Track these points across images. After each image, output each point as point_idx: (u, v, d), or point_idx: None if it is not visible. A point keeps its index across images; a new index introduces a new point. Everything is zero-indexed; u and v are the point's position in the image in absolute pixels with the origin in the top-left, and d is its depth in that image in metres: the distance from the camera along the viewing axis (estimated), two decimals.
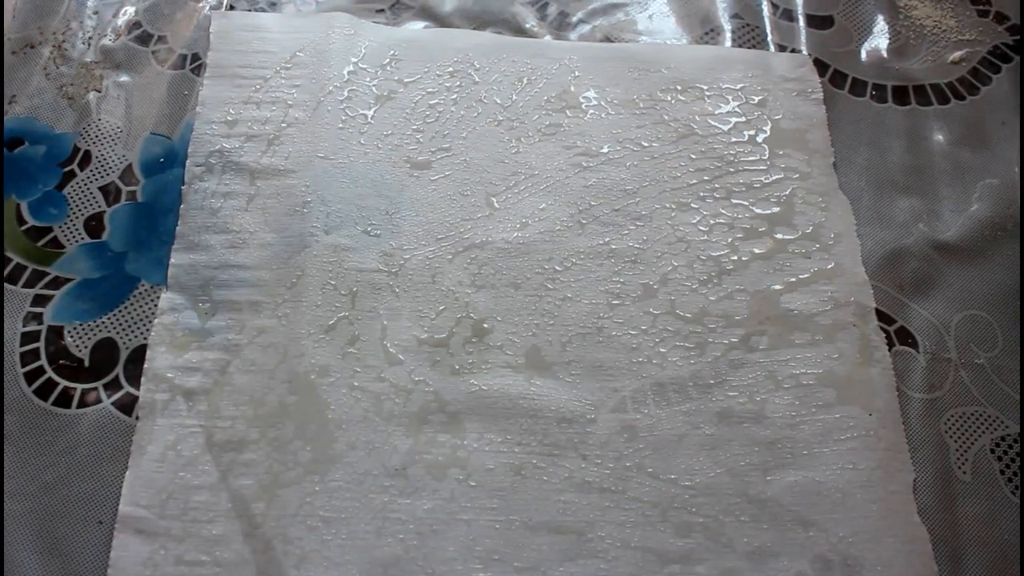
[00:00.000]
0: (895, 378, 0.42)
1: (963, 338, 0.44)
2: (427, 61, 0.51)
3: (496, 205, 0.46)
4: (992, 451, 0.41)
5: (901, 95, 0.53)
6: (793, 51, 0.54)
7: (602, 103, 0.50)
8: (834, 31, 0.56)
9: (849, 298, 0.44)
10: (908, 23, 0.56)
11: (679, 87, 0.51)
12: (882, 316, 0.44)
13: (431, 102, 0.49)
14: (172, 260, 0.43)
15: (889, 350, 0.43)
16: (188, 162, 0.46)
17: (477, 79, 0.50)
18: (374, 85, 0.50)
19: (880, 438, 0.40)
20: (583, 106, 0.50)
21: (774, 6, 0.56)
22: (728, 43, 0.54)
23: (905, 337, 0.44)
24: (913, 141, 0.51)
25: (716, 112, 0.50)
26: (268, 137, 0.47)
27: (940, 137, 0.51)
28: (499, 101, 0.50)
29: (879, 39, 0.55)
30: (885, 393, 0.41)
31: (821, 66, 0.53)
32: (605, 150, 0.48)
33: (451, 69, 0.51)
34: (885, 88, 0.53)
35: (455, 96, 0.50)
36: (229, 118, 0.48)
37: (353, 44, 0.51)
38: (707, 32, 0.55)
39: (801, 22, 0.56)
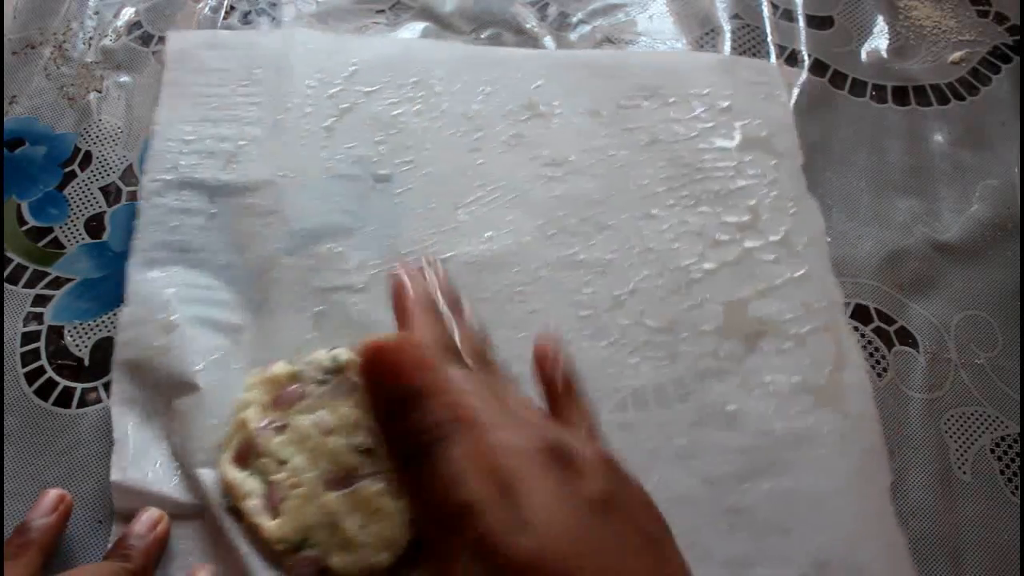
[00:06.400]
0: (870, 381, 0.42)
1: (963, 338, 0.44)
2: (388, 71, 0.49)
3: (461, 217, 0.45)
4: (992, 451, 0.41)
5: (901, 95, 0.53)
6: (793, 52, 0.54)
7: (566, 112, 0.49)
8: (834, 31, 0.56)
9: (821, 303, 0.43)
10: (908, 23, 0.56)
11: (644, 94, 0.50)
12: (882, 316, 0.44)
13: (392, 113, 0.48)
14: (130, 276, 0.41)
15: (889, 350, 0.43)
16: (144, 179, 0.44)
17: (439, 89, 0.49)
18: (334, 98, 0.48)
19: (856, 442, 0.40)
20: (547, 115, 0.49)
21: (774, 6, 0.56)
22: (728, 44, 0.54)
23: (905, 337, 0.44)
24: (913, 142, 0.51)
25: (682, 118, 0.49)
26: (226, 155, 0.45)
27: (940, 138, 0.51)
28: (462, 112, 0.48)
29: (879, 39, 0.55)
30: (860, 396, 0.41)
31: (821, 66, 0.53)
32: (571, 159, 0.47)
33: (413, 79, 0.49)
34: (885, 88, 0.53)
35: (418, 107, 0.48)
36: (186, 137, 0.46)
37: (312, 58, 0.49)
38: (707, 32, 0.55)
39: (801, 22, 0.56)
